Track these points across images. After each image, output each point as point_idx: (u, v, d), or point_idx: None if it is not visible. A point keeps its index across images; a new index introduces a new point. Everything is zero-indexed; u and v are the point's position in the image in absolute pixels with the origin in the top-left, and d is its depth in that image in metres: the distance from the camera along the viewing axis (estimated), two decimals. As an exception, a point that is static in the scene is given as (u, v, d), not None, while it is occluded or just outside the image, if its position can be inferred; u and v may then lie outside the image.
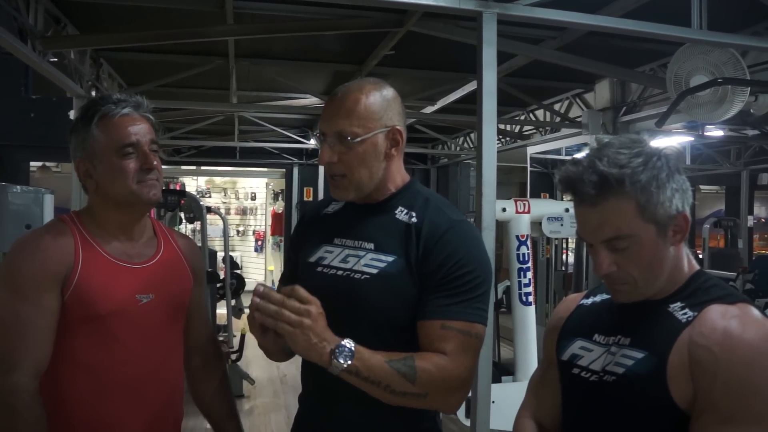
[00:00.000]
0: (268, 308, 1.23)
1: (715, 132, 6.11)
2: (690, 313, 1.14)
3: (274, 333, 1.28)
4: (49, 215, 3.60)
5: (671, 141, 5.74)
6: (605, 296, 1.32)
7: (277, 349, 1.39)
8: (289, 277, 1.56)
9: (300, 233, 1.59)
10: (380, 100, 1.40)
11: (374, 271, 1.37)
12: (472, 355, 1.34)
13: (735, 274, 6.40)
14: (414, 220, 1.40)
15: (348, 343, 1.25)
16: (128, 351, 1.49)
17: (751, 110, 4.17)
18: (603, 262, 1.17)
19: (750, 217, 8.39)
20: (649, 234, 1.14)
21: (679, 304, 1.17)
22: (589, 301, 1.36)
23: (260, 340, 1.33)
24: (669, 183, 1.14)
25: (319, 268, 1.44)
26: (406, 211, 1.42)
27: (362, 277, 1.38)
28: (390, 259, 1.37)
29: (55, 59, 4.19)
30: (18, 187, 3.69)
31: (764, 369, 1.05)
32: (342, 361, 1.23)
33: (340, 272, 1.40)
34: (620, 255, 1.16)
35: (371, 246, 1.40)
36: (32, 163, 9.31)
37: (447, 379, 1.29)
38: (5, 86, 7.76)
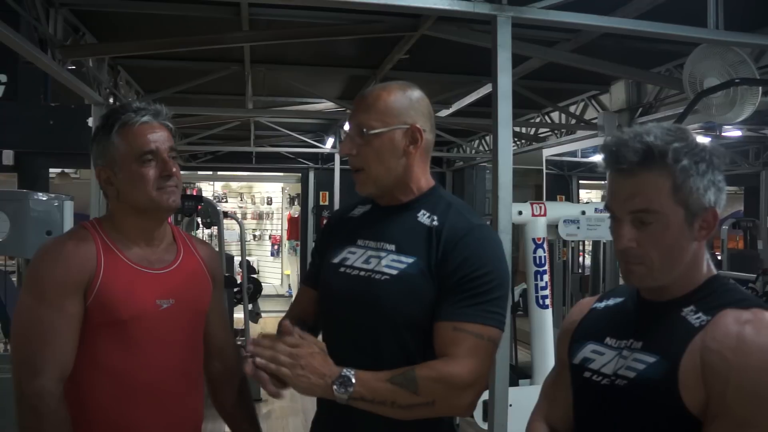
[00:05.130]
0: (263, 354, 1.28)
1: (733, 132, 6.06)
2: (703, 318, 1.13)
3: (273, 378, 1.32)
4: (69, 221, 3.64)
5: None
6: (618, 300, 1.32)
7: None
8: (312, 277, 1.60)
9: (326, 235, 1.62)
10: (402, 98, 1.44)
11: (394, 272, 1.39)
12: (483, 357, 1.33)
13: (755, 275, 6.33)
14: (435, 223, 1.42)
15: (347, 371, 1.28)
16: (149, 355, 1.51)
17: (770, 110, 4.13)
18: (624, 235, 1.15)
19: (769, 218, 8.29)
20: (677, 217, 1.13)
21: (692, 307, 1.15)
22: (602, 304, 1.35)
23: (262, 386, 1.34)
24: (707, 174, 1.14)
25: (342, 269, 1.46)
26: (428, 214, 1.44)
27: (382, 278, 1.40)
28: (410, 260, 1.39)
29: (74, 67, 4.25)
30: (39, 194, 3.74)
31: None
32: (344, 391, 1.27)
33: (362, 273, 1.42)
34: (643, 232, 1.15)
35: (392, 247, 1.42)
36: (51, 170, 9.42)
37: (449, 383, 1.29)
38: (25, 94, 7.82)
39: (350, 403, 1.28)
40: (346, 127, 1.49)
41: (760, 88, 3.46)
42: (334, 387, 1.27)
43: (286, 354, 1.28)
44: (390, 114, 1.42)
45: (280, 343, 1.29)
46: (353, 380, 1.27)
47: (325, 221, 1.71)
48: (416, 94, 1.47)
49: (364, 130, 1.41)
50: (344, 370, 1.28)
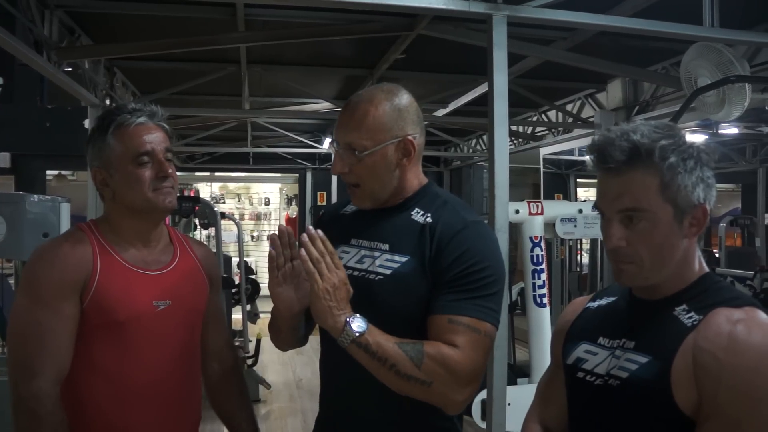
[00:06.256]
0: (312, 251, 1.29)
1: (730, 129, 6.07)
2: (695, 317, 1.12)
3: (291, 288, 1.37)
4: (65, 223, 3.63)
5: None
6: (611, 299, 1.31)
7: (286, 326, 1.44)
8: None
9: None
10: (390, 110, 1.40)
11: (388, 271, 1.39)
12: (482, 352, 1.32)
13: (753, 272, 6.33)
14: (429, 220, 1.41)
15: (362, 317, 1.29)
16: (146, 357, 1.51)
17: (766, 107, 4.14)
18: (614, 234, 1.15)
19: (767, 215, 8.29)
20: (666, 215, 1.12)
21: (684, 306, 1.14)
22: (596, 304, 1.34)
23: (273, 287, 1.38)
24: (696, 171, 1.13)
25: None
26: (422, 212, 1.43)
27: (376, 278, 1.39)
28: (404, 259, 1.39)
29: (70, 69, 4.24)
30: (35, 196, 3.73)
31: None
32: (355, 329, 1.27)
33: (356, 273, 1.42)
34: (632, 231, 1.14)
35: (386, 247, 1.42)
36: (48, 172, 9.40)
37: (453, 370, 1.28)
38: (21, 96, 7.85)
39: (350, 350, 1.27)
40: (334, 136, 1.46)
41: (748, 89, 3.47)
42: (347, 323, 1.27)
43: (330, 267, 1.30)
44: (380, 130, 1.39)
45: (330, 255, 1.31)
46: (366, 327, 1.28)
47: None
48: (404, 100, 1.43)
49: (356, 151, 1.39)
50: (361, 316, 1.29)
